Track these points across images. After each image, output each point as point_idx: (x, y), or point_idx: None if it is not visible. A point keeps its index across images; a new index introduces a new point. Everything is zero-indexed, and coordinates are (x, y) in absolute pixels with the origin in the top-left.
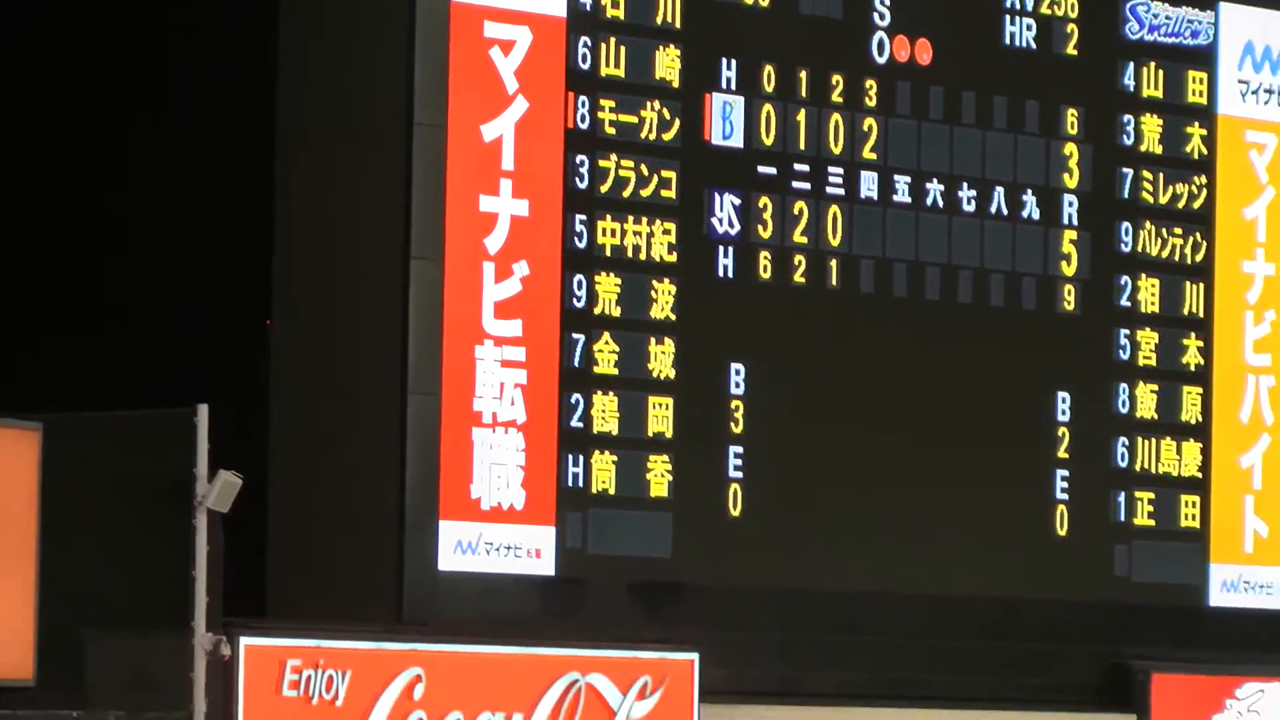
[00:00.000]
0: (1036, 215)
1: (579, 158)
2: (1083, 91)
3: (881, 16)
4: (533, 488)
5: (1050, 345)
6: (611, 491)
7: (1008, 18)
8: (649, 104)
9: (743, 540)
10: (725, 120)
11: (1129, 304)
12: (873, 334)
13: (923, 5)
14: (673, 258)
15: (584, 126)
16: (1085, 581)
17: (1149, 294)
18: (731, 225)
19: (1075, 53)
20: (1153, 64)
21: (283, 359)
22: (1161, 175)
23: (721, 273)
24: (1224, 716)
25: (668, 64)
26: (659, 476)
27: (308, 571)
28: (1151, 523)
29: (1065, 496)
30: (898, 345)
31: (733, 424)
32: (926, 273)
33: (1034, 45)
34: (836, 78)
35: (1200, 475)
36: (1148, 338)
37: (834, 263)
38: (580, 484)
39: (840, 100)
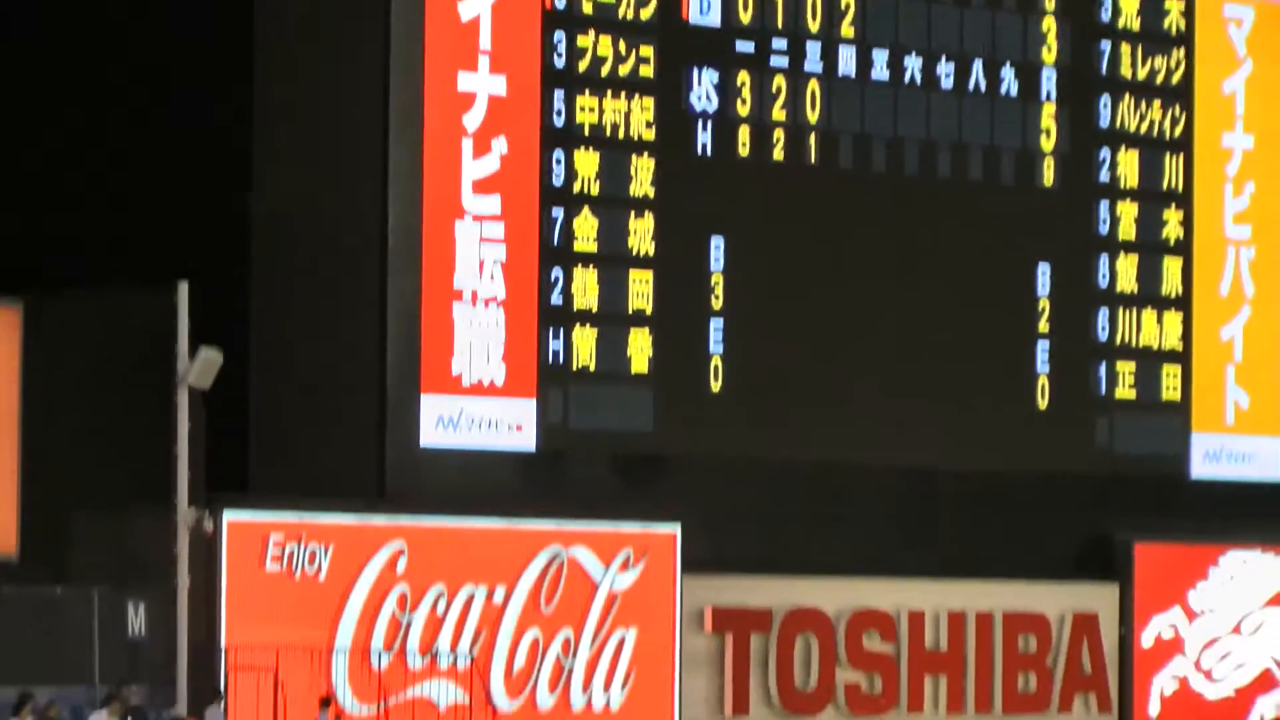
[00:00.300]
0: (1015, 90)
1: (557, 35)
2: None
3: None
4: (513, 363)
5: (1030, 219)
6: (592, 367)
7: None
8: None
9: (723, 414)
10: None
11: (1109, 178)
12: (852, 209)
13: None
14: (651, 134)
15: (561, 5)
16: (1067, 453)
17: (1128, 168)
18: (710, 102)
19: None
20: None
21: (262, 237)
22: (1140, 49)
23: (700, 149)
24: (1207, 585)
25: None
26: (640, 351)
27: (290, 447)
28: (1133, 394)
29: (1046, 369)
30: (877, 220)
31: (713, 299)
32: (906, 148)
33: None
34: None
35: (1181, 347)
36: (1128, 210)
37: (813, 138)
38: (561, 359)
39: None
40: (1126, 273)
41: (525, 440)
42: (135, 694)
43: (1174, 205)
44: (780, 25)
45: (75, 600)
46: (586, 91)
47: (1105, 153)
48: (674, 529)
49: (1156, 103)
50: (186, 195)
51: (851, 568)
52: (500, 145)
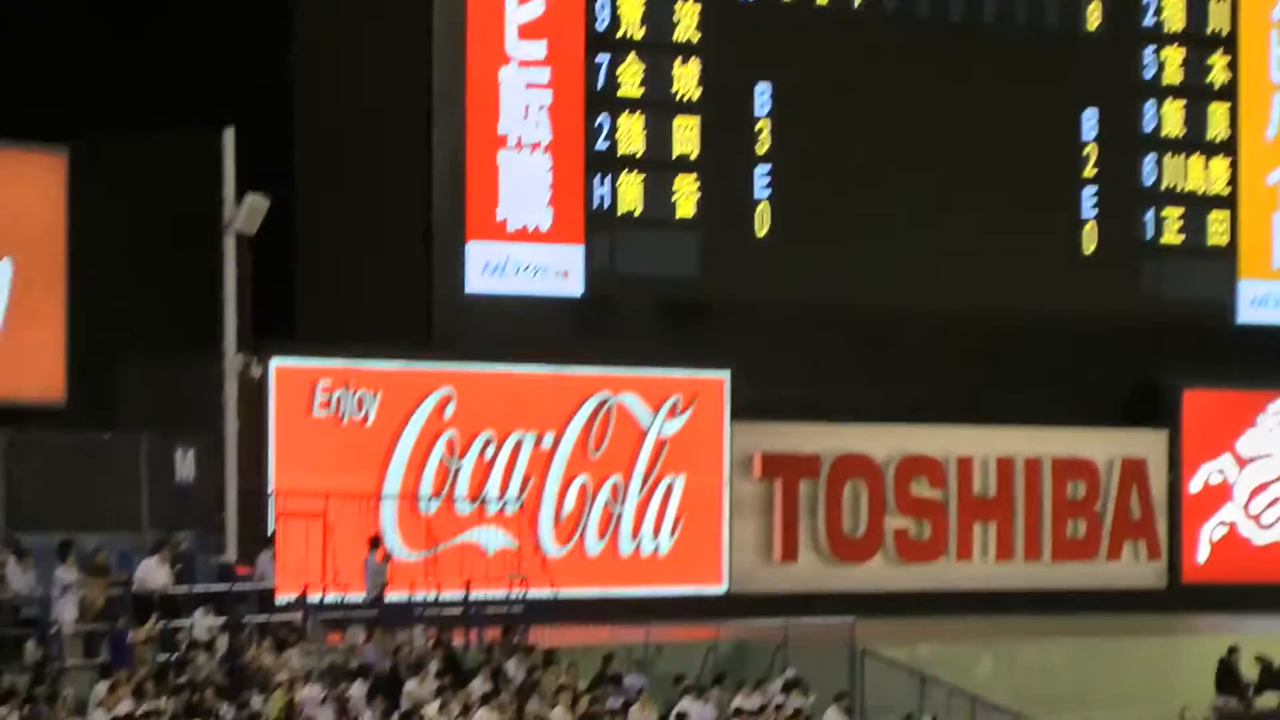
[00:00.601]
0: None
1: None
2: None
3: None
4: (560, 209)
5: (1076, 63)
6: (638, 212)
7: None
8: None
9: (770, 259)
10: None
11: (1154, 22)
12: (898, 55)
13: None
14: None
15: None
16: (1114, 299)
17: (1174, 12)
18: None
19: None
20: None
21: (308, 84)
22: None
23: None
24: (1255, 431)
25: None
26: (686, 196)
27: (337, 294)
28: (1179, 240)
29: (1093, 214)
30: (923, 65)
31: (759, 144)
32: None
33: None
34: None
35: (1228, 192)
36: (1173, 55)
37: None
38: (607, 205)
39: None
40: (1172, 117)
41: (572, 286)
42: (183, 540)
43: (1220, 50)
44: None
45: (123, 446)
46: None
47: None
48: (722, 375)
49: None
50: (233, 42)
51: (900, 414)
52: None
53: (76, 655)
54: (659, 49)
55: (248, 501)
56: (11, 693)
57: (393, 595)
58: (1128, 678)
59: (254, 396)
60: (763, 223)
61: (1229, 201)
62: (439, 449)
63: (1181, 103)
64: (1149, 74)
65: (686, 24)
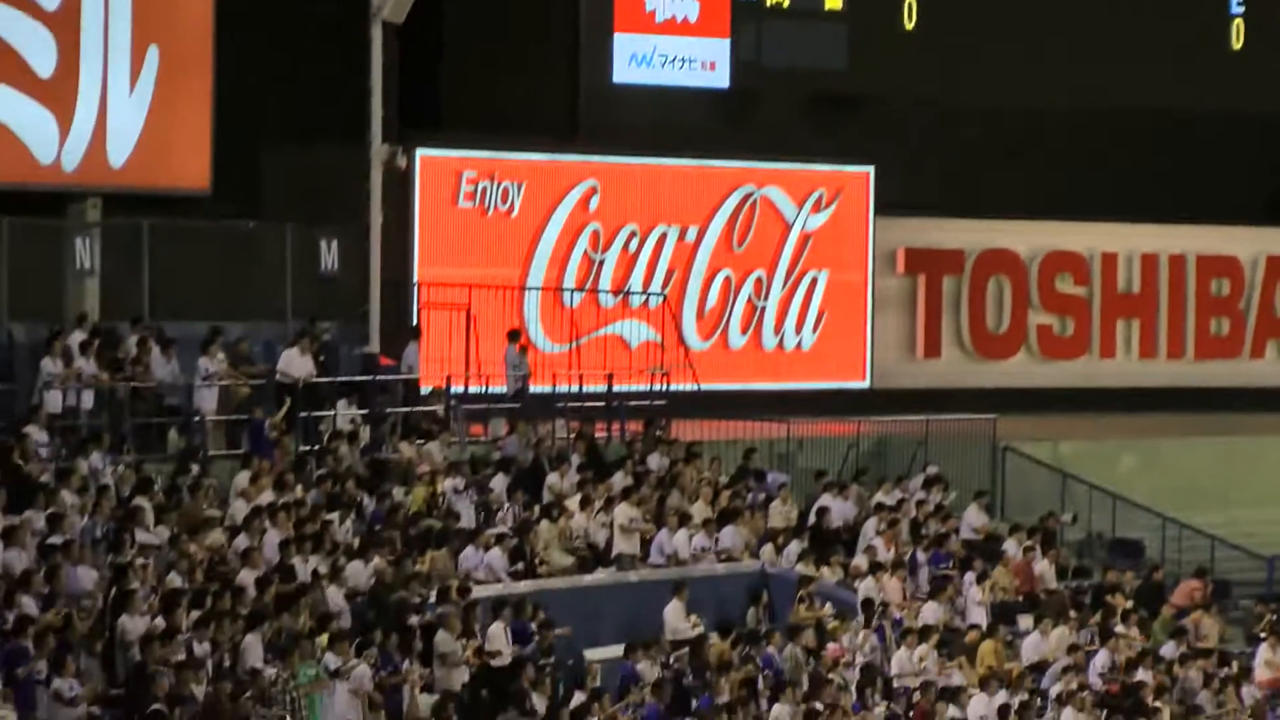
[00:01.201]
0: None
1: None
2: None
3: None
4: (707, 0)
5: None
6: (785, 3)
7: None
8: None
9: (918, 53)
10: None
11: None
12: None
13: None
14: None
15: None
16: (1262, 95)
17: None
18: None
19: None
20: None
21: None
22: None
23: None
24: None
25: None
26: None
27: (483, 85)
28: None
29: (1241, 9)
30: None
31: None
32: None
33: None
34: None
35: None
36: None
37: None
38: None
39: None
40: None
41: (718, 78)
42: (327, 330)
43: None
44: None
45: (268, 235)
46: None
47: None
48: (867, 169)
49: None
50: None
51: (1045, 209)
52: None
53: (218, 445)
54: None
55: (391, 292)
56: (152, 481)
57: (535, 388)
58: (1270, 476)
59: (399, 187)
60: (911, 15)
61: None
62: (583, 241)
63: None
64: None
65: None
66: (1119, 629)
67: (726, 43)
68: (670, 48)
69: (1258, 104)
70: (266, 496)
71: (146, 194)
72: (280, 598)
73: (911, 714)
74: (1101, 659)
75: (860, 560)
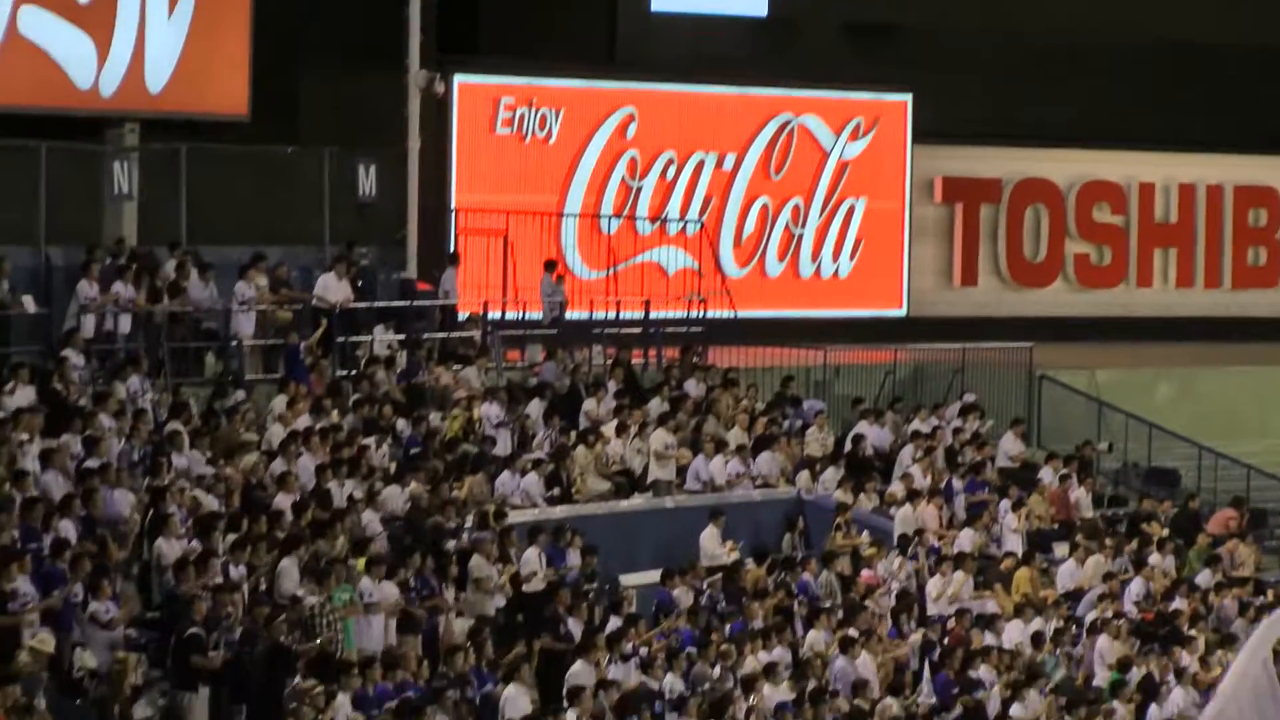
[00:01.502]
0: None
1: None
2: None
3: None
4: None
5: None
6: None
7: None
8: None
9: None
10: None
11: None
12: None
13: None
14: None
15: None
16: None
17: None
18: None
19: None
20: None
21: None
22: None
23: None
24: None
25: None
26: None
27: (521, 11)
28: None
29: None
30: None
31: None
32: None
33: None
34: None
35: None
36: None
37: None
38: None
39: None
40: None
41: (756, 6)
42: (364, 255)
43: None
44: None
45: (306, 161)
46: None
47: None
48: (905, 97)
49: None
50: None
51: (1082, 138)
52: None
53: (255, 370)
54: None
55: (429, 218)
56: (187, 405)
57: (572, 314)
58: None
59: (437, 113)
60: None
61: None
62: (620, 168)
63: None
64: None
65: None
66: (1153, 558)
67: None
68: None
69: None
70: (303, 421)
71: (184, 119)
72: (316, 522)
73: (946, 641)
74: (1136, 587)
75: (896, 487)
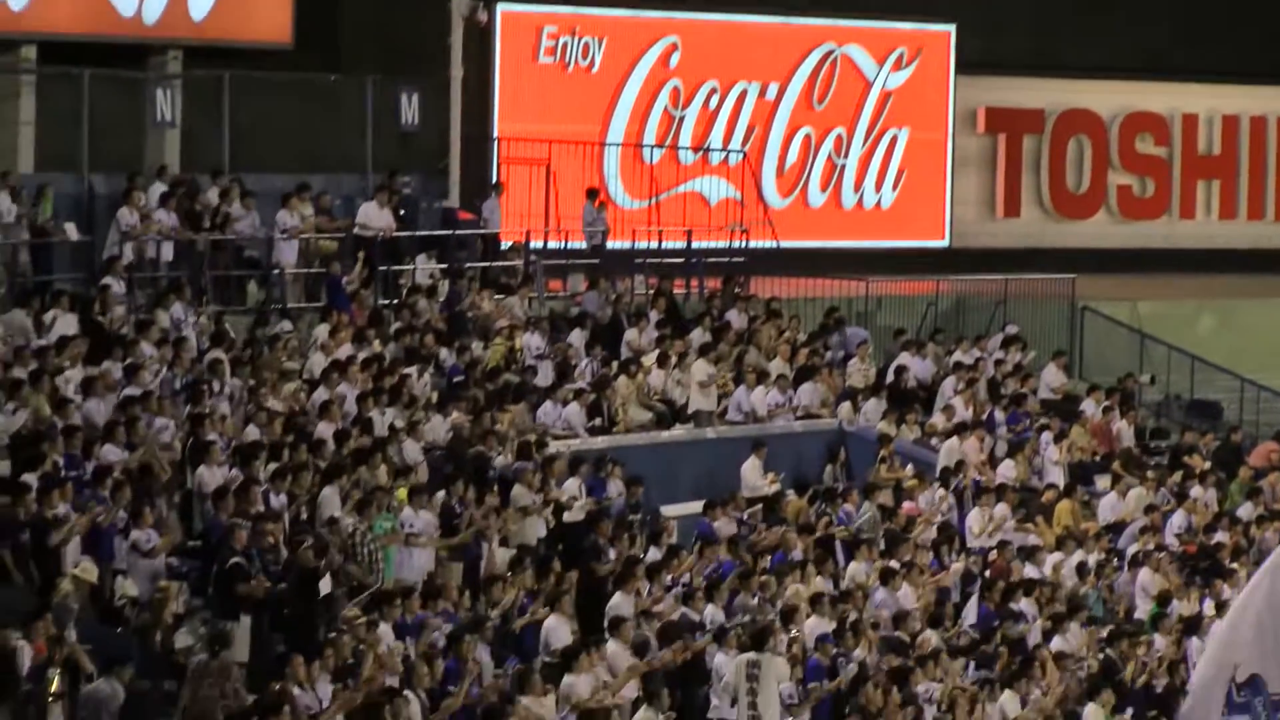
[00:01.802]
0: None
1: None
2: None
3: None
4: None
5: None
6: None
7: None
8: None
9: None
10: None
11: None
12: None
13: None
14: None
15: None
16: None
17: None
18: None
19: None
20: None
21: None
22: None
23: None
24: None
25: None
26: None
27: None
28: None
29: None
30: None
31: None
32: None
33: None
34: None
35: None
36: None
37: None
38: None
39: None
40: None
41: None
42: (407, 183)
43: None
44: None
45: (349, 89)
46: None
47: None
48: (948, 28)
49: None
50: None
51: (1126, 69)
52: None
53: (297, 298)
54: None
55: (471, 147)
56: (226, 334)
57: (614, 243)
58: None
59: (480, 42)
60: None
61: None
62: (663, 97)
63: None
64: None
65: None
66: (1195, 490)
67: None
68: None
69: None
70: (345, 350)
71: (227, 46)
72: (358, 451)
73: (988, 573)
74: (1178, 519)
75: (938, 419)
